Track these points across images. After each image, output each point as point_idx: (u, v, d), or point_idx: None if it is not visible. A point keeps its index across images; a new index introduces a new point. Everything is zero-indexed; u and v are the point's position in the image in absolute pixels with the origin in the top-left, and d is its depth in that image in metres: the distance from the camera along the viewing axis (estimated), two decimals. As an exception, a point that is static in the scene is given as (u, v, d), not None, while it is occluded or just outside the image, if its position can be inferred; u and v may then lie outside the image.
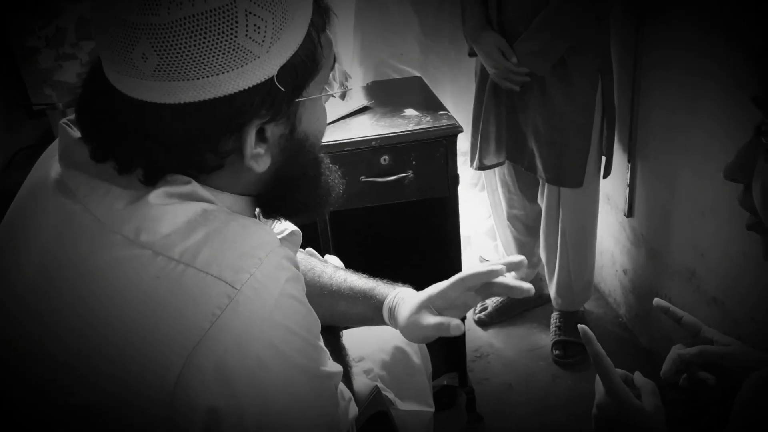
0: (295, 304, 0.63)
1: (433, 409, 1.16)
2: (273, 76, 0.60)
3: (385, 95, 1.71)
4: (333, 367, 0.70)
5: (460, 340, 1.73)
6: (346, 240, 1.57)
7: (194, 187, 0.64)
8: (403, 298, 0.94)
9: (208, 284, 0.58)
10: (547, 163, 1.78)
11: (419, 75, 1.97)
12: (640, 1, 1.69)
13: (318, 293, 0.95)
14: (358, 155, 1.43)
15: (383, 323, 0.96)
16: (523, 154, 1.85)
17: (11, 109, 1.53)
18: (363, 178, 1.44)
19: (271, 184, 0.70)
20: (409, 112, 1.55)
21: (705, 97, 1.51)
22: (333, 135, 1.44)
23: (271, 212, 0.76)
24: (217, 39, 0.56)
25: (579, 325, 0.84)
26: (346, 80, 1.68)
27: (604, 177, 1.87)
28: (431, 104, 1.60)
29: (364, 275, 1.02)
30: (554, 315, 2.06)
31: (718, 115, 1.47)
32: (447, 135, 1.44)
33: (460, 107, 2.03)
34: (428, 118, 1.49)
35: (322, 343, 0.70)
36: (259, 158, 0.64)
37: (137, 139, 0.61)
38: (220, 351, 0.57)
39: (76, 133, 0.66)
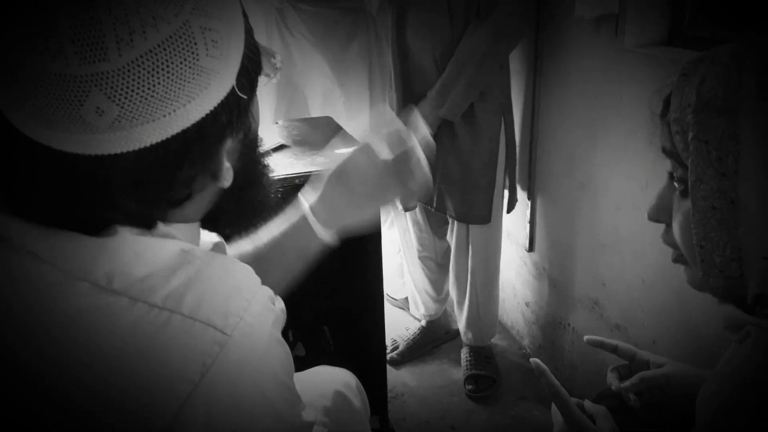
0: (280, 349, 0.60)
1: (376, 453, 1.12)
2: (233, 86, 0.55)
3: (300, 133, 1.69)
4: (308, 416, 0.67)
5: (380, 382, 1.70)
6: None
7: (160, 227, 0.59)
8: None
9: (196, 331, 0.53)
10: (457, 201, 1.83)
11: (328, 116, 1.98)
12: (536, 43, 1.82)
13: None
14: (280, 194, 1.39)
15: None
16: (431, 194, 1.89)
17: None
18: (285, 218, 1.40)
19: (226, 195, 0.66)
20: (328, 150, 1.54)
21: (601, 136, 1.63)
22: (254, 173, 1.39)
23: (226, 226, 0.72)
24: (181, 68, 0.51)
25: (531, 359, 0.85)
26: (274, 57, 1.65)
27: (508, 212, 1.95)
28: (349, 143, 1.60)
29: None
30: (464, 350, 2.09)
31: (614, 152, 1.60)
32: (371, 173, 1.44)
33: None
34: (350, 157, 1.48)
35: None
36: (227, 173, 0.61)
37: (98, 197, 0.53)
38: (212, 404, 0.52)
39: None
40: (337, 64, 2.12)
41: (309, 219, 0.86)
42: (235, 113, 0.57)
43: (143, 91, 0.49)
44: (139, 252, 0.55)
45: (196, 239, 0.67)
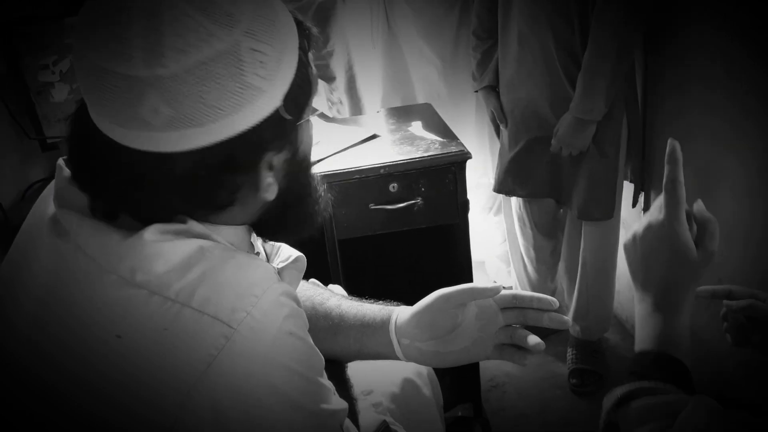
0: (294, 341, 0.62)
1: (445, 443, 1.13)
2: (279, 107, 0.60)
3: (395, 122, 1.71)
4: (337, 404, 0.69)
5: (474, 369, 1.69)
6: (355, 268, 1.55)
7: (190, 225, 0.63)
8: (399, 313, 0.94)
9: (204, 324, 0.57)
10: (582, 198, 1.73)
11: (428, 102, 1.99)
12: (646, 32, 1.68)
13: (328, 330, 0.93)
14: (366, 183, 1.43)
15: (395, 355, 0.92)
16: (558, 188, 1.80)
17: (25, 142, 1.55)
18: (372, 206, 1.44)
19: (273, 208, 0.69)
20: (418, 139, 1.55)
21: (717, 119, 1.48)
22: (341, 163, 1.44)
23: (269, 235, 0.76)
24: (228, 81, 0.56)
25: (669, 140, 0.74)
26: (334, 97, 1.72)
27: (633, 206, 1.83)
28: (440, 131, 1.59)
29: (374, 302, 0.99)
30: (570, 343, 2.01)
31: (731, 136, 1.45)
32: (456, 161, 1.43)
33: (468, 134, 2.04)
34: (437, 145, 1.48)
35: (325, 379, 0.68)
36: (270, 187, 0.65)
37: (150, 190, 0.60)
38: (218, 393, 0.56)
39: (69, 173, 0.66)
40: (443, 52, 2.11)
41: (392, 338, 0.91)
42: (280, 132, 0.62)
43: (194, 98, 0.55)
44: (161, 248, 0.59)
45: (243, 245, 0.71)
